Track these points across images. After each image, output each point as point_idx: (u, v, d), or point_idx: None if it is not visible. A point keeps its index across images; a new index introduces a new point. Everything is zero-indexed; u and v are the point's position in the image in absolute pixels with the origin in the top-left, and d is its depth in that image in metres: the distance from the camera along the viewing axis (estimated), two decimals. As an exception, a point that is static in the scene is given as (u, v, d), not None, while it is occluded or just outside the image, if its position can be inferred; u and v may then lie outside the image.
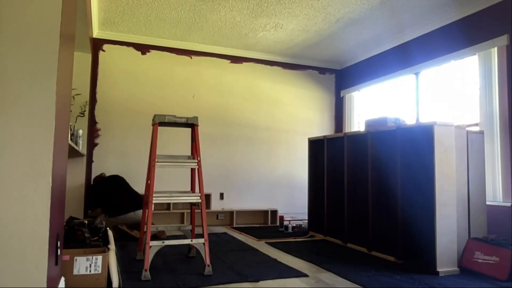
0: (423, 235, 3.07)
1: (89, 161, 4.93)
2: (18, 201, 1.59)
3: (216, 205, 5.46)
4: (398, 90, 5.23)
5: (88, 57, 4.86)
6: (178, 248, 3.63)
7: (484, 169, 3.37)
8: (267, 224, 5.41)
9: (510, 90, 3.68)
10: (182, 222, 5.23)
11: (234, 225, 5.30)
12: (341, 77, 6.37)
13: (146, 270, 2.57)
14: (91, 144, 4.96)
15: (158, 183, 5.09)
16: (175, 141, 5.31)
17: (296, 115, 6.05)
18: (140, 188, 5.11)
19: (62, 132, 1.95)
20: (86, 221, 2.91)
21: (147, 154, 5.17)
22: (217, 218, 5.35)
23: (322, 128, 6.20)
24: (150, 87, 5.28)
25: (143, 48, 5.30)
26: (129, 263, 3.03)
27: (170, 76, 5.40)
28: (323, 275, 2.82)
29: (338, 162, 4.30)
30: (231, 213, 5.38)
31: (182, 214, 5.21)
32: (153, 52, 5.34)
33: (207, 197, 5.26)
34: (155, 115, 2.91)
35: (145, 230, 3.04)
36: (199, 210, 2.88)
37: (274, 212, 5.57)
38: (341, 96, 6.28)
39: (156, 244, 2.70)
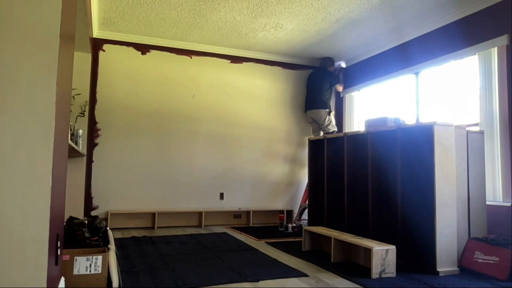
0: (423, 235, 3.07)
1: (89, 161, 4.93)
2: (18, 201, 1.59)
3: (216, 205, 5.46)
4: (398, 90, 5.22)
5: (88, 57, 4.86)
6: (178, 248, 3.63)
7: (484, 169, 3.37)
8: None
9: (510, 90, 3.67)
10: (199, 222, 5.24)
11: (251, 225, 5.40)
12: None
13: None
14: (91, 144, 4.96)
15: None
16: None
17: (296, 115, 6.05)
18: (137, 190, 5.11)
19: (62, 132, 1.96)
20: (86, 221, 2.91)
21: (147, 154, 5.18)
22: (234, 217, 5.51)
23: (322, 128, 6.20)
24: (150, 87, 5.28)
25: (143, 48, 5.30)
26: (129, 263, 3.03)
27: (170, 76, 5.40)
28: (323, 275, 2.82)
29: (338, 162, 4.30)
30: (247, 212, 5.48)
31: (199, 214, 5.23)
32: (153, 52, 5.34)
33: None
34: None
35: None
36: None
37: (290, 212, 5.66)
38: (341, 96, 6.28)
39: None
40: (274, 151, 5.86)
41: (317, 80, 5.76)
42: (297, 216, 5.49)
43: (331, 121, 5.68)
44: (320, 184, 4.58)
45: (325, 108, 5.66)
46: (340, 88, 5.99)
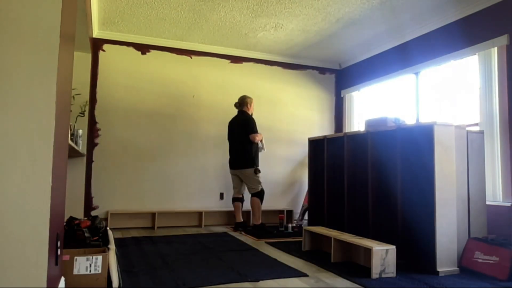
0: (423, 235, 3.07)
1: (89, 161, 4.93)
2: (18, 201, 1.59)
3: (216, 205, 5.46)
4: (398, 90, 5.23)
5: (88, 57, 4.86)
6: (178, 248, 3.63)
7: (484, 169, 3.37)
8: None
9: (510, 90, 3.68)
10: (199, 222, 5.25)
11: (251, 225, 5.31)
12: (341, 77, 6.37)
13: None
14: (91, 144, 4.96)
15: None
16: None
17: (296, 115, 6.05)
18: (137, 190, 5.11)
19: (62, 132, 1.96)
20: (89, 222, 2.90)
21: (147, 154, 5.18)
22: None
23: (322, 128, 6.20)
24: (150, 87, 5.28)
25: (143, 48, 5.30)
26: (129, 263, 3.03)
27: (170, 76, 5.40)
28: (323, 275, 2.82)
29: (338, 162, 4.30)
30: (247, 213, 5.46)
31: (199, 214, 5.23)
32: (153, 52, 5.34)
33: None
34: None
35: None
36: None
37: (290, 212, 5.66)
38: (341, 96, 6.28)
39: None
40: (274, 151, 5.86)
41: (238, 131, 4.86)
42: (299, 216, 5.49)
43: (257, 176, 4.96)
44: (320, 184, 4.58)
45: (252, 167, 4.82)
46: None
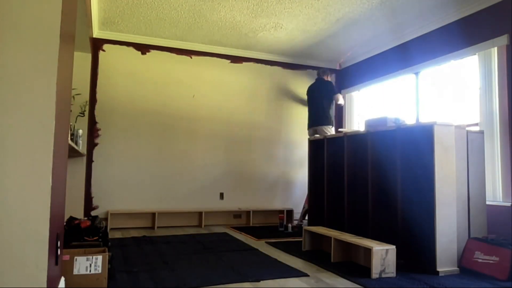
0: (423, 235, 3.07)
1: (89, 161, 4.93)
2: (18, 201, 1.59)
3: (216, 205, 5.46)
4: (398, 90, 5.22)
5: (88, 57, 4.86)
6: (178, 248, 3.63)
7: (484, 169, 3.37)
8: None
9: (510, 90, 3.67)
10: (199, 222, 5.25)
11: (251, 225, 5.39)
12: (341, 77, 6.37)
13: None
14: (91, 144, 4.96)
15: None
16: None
17: (296, 115, 6.05)
18: (137, 190, 5.11)
19: (62, 132, 1.96)
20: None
21: (147, 154, 5.18)
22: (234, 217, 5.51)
23: (322, 128, 6.19)
24: (150, 87, 5.28)
25: (143, 48, 5.30)
26: (129, 263, 3.03)
27: (170, 76, 5.40)
28: (323, 275, 2.82)
29: (338, 163, 4.30)
30: (247, 212, 5.49)
31: (199, 213, 5.23)
32: (153, 52, 5.34)
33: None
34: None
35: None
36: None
37: (290, 212, 5.65)
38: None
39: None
40: (274, 150, 5.86)
41: (318, 95, 5.29)
42: (300, 217, 5.44)
43: (331, 133, 5.31)
44: (320, 184, 4.58)
45: (329, 124, 5.23)
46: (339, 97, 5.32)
